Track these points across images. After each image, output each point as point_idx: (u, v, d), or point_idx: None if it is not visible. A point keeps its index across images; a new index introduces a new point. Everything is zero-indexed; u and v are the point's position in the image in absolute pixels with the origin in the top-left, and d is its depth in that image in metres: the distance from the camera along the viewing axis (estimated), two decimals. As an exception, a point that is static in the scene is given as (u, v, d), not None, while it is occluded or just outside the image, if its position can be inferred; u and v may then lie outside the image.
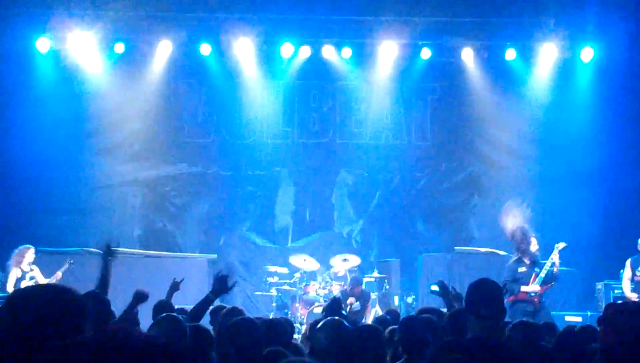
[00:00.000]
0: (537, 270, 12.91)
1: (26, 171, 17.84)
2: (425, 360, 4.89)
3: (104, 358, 1.74)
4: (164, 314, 5.97)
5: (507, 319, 9.02)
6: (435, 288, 8.01)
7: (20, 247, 14.15)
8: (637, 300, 12.92)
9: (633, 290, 13.39)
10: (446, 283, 8.33)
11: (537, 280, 12.68)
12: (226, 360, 4.83)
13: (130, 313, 7.11)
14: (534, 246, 13.09)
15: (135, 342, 1.86)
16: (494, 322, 4.70)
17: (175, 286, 8.72)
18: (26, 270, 14.00)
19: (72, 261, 14.61)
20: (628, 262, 13.69)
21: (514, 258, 13.22)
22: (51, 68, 17.95)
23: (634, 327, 2.79)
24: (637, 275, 13.46)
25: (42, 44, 17.50)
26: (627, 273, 13.68)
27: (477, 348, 4.45)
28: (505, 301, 12.27)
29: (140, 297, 7.34)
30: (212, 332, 7.64)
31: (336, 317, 5.66)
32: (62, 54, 17.87)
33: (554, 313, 13.72)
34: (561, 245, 13.08)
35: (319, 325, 4.97)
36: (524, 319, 7.09)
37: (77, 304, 2.77)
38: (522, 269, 12.92)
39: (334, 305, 10.13)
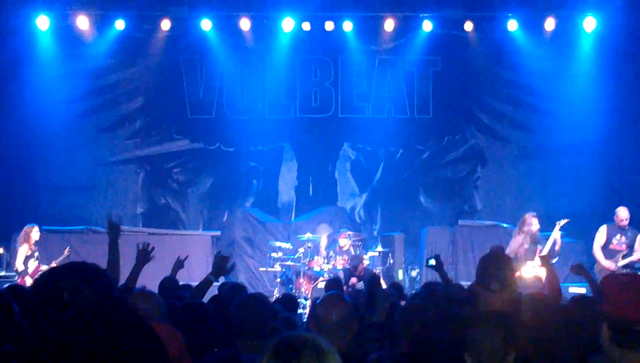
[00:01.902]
0: (539, 246, 12.96)
1: (28, 149, 17.84)
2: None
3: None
4: (140, 287, 5.96)
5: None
6: (432, 262, 8.02)
7: (25, 227, 14.13)
8: (615, 269, 12.99)
9: (607, 258, 13.32)
10: (444, 257, 8.39)
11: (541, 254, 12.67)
12: (240, 333, 4.84)
13: (136, 275, 7.08)
14: (535, 226, 13.16)
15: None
16: (505, 295, 4.69)
17: (179, 264, 8.71)
18: (33, 249, 13.99)
19: (70, 250, 14.62)
20: (604, 229, 13.53)
21: (518, 235, 13.24)
22: (51, 46, 17.89)
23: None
24: (613, 244, 13.36)
25: (42, 22, 17.44)
26: (600, 239, 13.51)
27: (489, 320, 4.45)
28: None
29: (143, 256, 7.28)
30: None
31: (336, 292, 5.68)
32: (62, 32, 17.80)
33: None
34: (562, 221, 13.05)
35: (318, 301, 4.99)
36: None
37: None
38: (525, 246, 12.98)
39: (332, 284, 10.19)
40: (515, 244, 13.14)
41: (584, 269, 8.42)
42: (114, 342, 2.39)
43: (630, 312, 2.76)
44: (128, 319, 2.39)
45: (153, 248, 7.33)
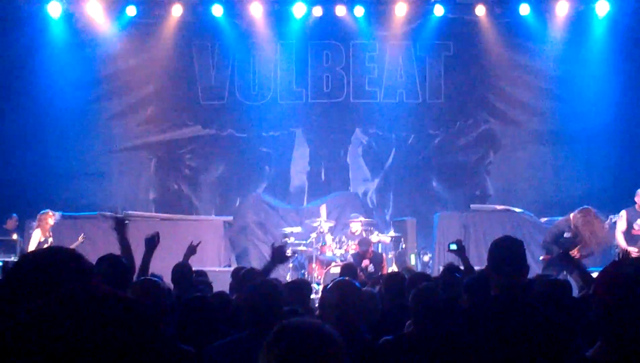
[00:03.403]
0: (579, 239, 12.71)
1: (41, 136, 17.88)
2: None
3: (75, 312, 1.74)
4: (142, 277, 5.96)
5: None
6: (453, 247, 8.03)
7: (39, 214, 14.18)
8: (637, 254, 12.70)
9: (630, 244, 13.05)
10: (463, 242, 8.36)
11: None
12: (250, 320, 4.87)
13: (148, 262, 7.09)
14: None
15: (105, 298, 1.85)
16: (517, 280, 4.68)
17: (192, 250, 8.70)
18: (47, 236, 14.04)
19: (84, 236, 14.60)
20: (624, 214, 13.21)
21: (563, 222, 13.03)
22: (63, 33, 17.91)
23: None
24: (634, 229, 13.08)
25: (54, 9, 17.46)
26: (621, 225, 13.18)
27: (500, 306, 4.46)
28: (540, 258, 12.28)
29: (151, 244, 7.29)
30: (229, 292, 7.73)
31: (346, 277, 5.71)
32: (74, 19, 17.83)
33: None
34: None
35: (329, 286, 5.02)
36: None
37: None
38: (567, 234, 12.73)
39: (346, 270, 10.22)
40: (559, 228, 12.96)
41: (572, 258, 8.46)
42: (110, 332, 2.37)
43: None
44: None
45: (157, 233, 7.33)
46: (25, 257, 2.81)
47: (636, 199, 13.19)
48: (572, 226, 12.77)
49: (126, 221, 6.97)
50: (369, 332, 5.44)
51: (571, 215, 12.88)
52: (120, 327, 2.25)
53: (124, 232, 6.97)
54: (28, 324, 2.07)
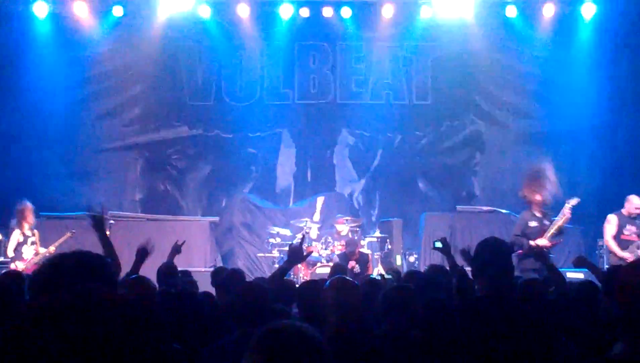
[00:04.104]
0: (546, 223, 12.67)
1: (27, 136, 17.81)
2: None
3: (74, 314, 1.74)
4: (133, 276, 5.97)
5: (516, 273, 9.07)
6: (438, 244, 8.02)
7: (20, 206, 14.04)
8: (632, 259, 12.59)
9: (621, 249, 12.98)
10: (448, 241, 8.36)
11: (546, 234, 12.47)
12: (240, 321, 4.89)
13: (137, 270, 7.09)
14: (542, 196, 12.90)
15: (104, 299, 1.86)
16: (502, 280, 4.71)
17: (176, 249, 8.70)
18: (28, 235, 13.93)
19: (73, 231, 14.44)
20: (614, 219, 13.02)
21: (526, 212, 12.99)
22: (50, 33, 17.85)
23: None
24: (624, 234, 12.91)
25: (40, 9, 17.41)
26: (611, 229, 13.01)
27: (486, 306, 4.48)
28: (515, 253, 12.24)
29: (142, 253, 7.32)
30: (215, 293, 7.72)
31: (342, 276, 5.71)
32: (60, 19, 17.78)
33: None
34: (574, 201, 12.66)
35: (326, 284, 5.01)
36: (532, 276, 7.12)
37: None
38: (532, 223, 12.70)
39: (337, 269, 10.23)
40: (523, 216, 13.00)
41: (587, 260, 8.48)
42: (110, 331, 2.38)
43: None
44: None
45: (151, 244, 7.35)
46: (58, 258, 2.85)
47: (626, 204, 13.09)
48: (522, 197, 12.98)
49: (105, 218, 6.93)
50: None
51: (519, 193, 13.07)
52: (117, 326, 2.26)
53: (103, 230, 6.93)
54: (28, 318, 2.08)
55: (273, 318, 4.81)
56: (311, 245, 15.92)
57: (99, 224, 6.88)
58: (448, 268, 7.83)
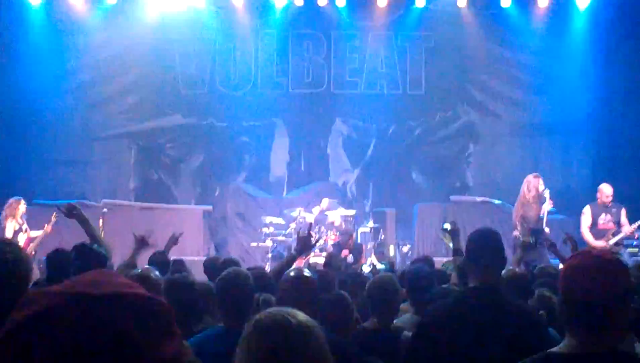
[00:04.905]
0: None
1: (20, 124, 17.75)
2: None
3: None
4: (137, 271, 5.96)
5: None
6: (447, 226, 7.77)
7: (10, 200, 14.05)
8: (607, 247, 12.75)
9: (598, 238, 13.11)
10: (435, 233, 8.37)
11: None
12: (224, 311, 4.88)
13: (135, 259, 7.11)
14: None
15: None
16: (496, 271, 4.71)
17: (174, 240, 8.72)
18: (20, 223, 13.94)
19: (57, 216, 14.38)
20: (588, 210, 13.29)
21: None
22: (43, 21, 17.79)
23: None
24: (600, 224, 13.17)
25: (33, -4, 17.39)
26: (586, 220, 13.26)
27: (478, 296, 4.48)
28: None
29: (142, 243, 7.34)
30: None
31: (299, 267, 5.74)
32: (53, 7, 17.72)
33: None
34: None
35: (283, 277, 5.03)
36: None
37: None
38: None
39: (328, 261, 10.27)
40: None
41: (558, 251, 8.72)
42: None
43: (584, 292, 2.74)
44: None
45: (150, 236, 7.39)
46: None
47: (598, 195, 13.39)
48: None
49: (75, 206, 6.93)
50: None
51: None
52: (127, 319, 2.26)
53: (80, 217, 6.92)
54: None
55: (258, 309, 4.82)
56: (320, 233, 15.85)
57: (71, 214, 6.90)
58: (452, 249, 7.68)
